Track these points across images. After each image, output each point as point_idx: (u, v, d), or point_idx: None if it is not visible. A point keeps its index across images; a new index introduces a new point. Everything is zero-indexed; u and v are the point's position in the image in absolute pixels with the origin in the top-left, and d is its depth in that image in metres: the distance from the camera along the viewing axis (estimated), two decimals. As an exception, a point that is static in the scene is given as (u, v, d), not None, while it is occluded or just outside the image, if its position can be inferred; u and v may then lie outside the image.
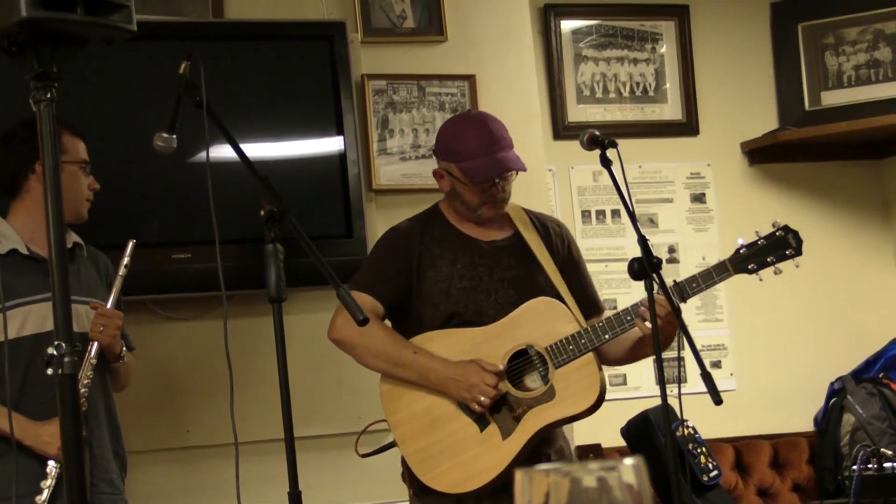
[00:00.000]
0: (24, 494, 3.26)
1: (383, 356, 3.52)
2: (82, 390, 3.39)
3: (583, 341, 3.45)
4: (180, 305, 4.35)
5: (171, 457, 4.35)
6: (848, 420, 5.37)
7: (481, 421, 3.48)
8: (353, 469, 4.48)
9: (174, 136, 3.10)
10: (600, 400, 3.49)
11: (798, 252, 3.49)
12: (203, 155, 3.14)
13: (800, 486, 5.55)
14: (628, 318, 3.45)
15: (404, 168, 4.67)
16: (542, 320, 3.51)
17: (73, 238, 3.60)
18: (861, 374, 5.53)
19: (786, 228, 3.49)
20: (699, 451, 4.96)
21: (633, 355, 3.62)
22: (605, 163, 3.34)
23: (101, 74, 4.16)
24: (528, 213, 3.72)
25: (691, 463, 4.88)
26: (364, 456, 3.60)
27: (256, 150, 4.22)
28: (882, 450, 4.85)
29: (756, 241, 3.49)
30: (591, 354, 3.48)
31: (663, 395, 3.26)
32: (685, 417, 4.90)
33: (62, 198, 2.21)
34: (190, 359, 4.34)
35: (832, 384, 5.57)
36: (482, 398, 3.43)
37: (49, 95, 2.22)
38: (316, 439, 4.34)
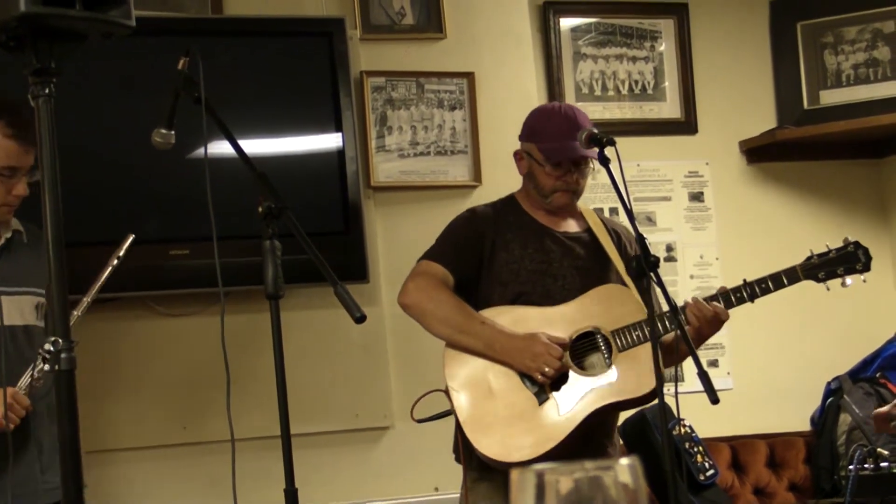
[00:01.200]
0: None
1: (450, 322, 3.55)
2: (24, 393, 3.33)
3: (648, 329, 3.49)
4: (178, 301, 4.35)
5: (167, 453, 4.35)
6: (844, 419, 5.37)
7: (541, 394, 3.51)
8: (350, 466, 4.49)
9: (172, 132, 3.10)
10: (659, 386, 3.52)
11: (867, 268, 3.58)
12: (201, 151, 3.13)
13: (796, 486, 5.55)
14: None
15: (403, 165, 4.66)
16: (611, 304, 3.56)
17: (12, 226, 3.51)
18: (858, 374, 5.53)
19: (857, 244, 3.60)
20: (696, 449, 4.96)
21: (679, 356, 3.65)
22: (604, 161, 3.35)
23: (100, 70, 4.16)
24: (601, 216, 3.80)
25: (688, 462, 4.88)
26: (419, 421, 3.61)
27: (255, 146, 4.21)
28: (878, 449, 4.85)
29: (827, 252, 3.58)
30: None
31: (660, 394, 3.26)
32: (682, 416, 4.90)
33: (60, 195, 2.20)
34: (187, 355, 4.34)
35: (829, 384, 5.57)
36: (546, 368, 3.47)
37: (47, 91, 2.21)
38: (312, 436, 4.34)
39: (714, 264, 5.70)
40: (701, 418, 4.84)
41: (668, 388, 3.36)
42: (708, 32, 5.82)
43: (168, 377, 4.37)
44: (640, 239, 3.27)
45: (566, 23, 5.65)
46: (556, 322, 3.55)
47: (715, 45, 5.82)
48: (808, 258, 3.57)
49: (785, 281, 3.54)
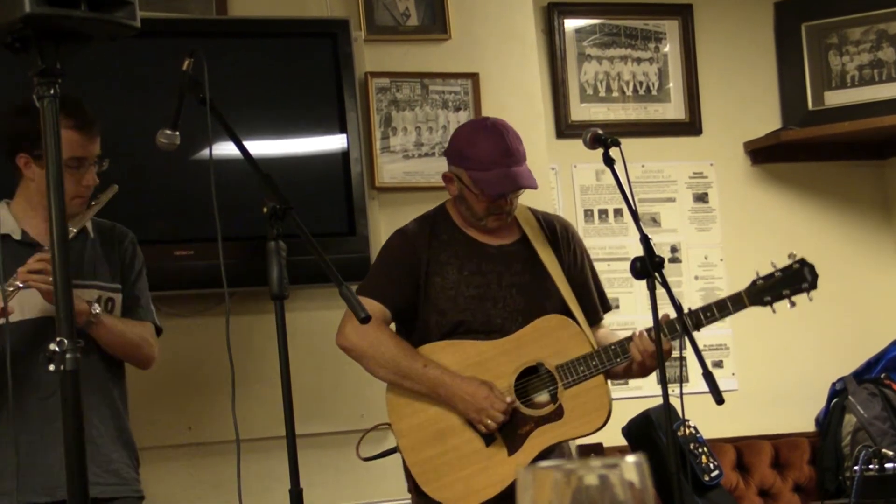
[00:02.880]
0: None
1: (392, 367, 3.50)
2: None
3: (594, 363, 3.45)
4: (182, 302, 4.35)
5: (173, 454, 4.35)
6: (849, 420, 5.37)
7: (488, 436, 3.47)
8: (355, 467, 4.48)
9: (177, 133, 3.10)
10: (607, 421, 3.49)
11: (813, 286, 3.47)
12: (206, 152, 3.14)
13: (801, 487, 5.55)
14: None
15: (407, 166, 4.66)
16: (554, 338, 3.49)
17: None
18: (862, 375, 5.52)
19: (802, 261, 3.48)
20: (700, 450, 4.96)
21: (625, 375, 3.61)
22: (608, 162, 3.34)
23: (105, 71, 4.16)
24: (535, 213, 3.68)
25: (692, 463, 4.88)
26: (366, 459, 3.60)
27: (259, 147, 4.21)
28: (883, 450, 4.85)
29: (773, 274, 3.48)
30: (601, 376, 3.47)
31: (665, 395, 3.26)
32: (686, 417, 4.89)
33: (64, 193, 2.20)
34: (192, 356, 4.34)
35: (834, 384, 5.56)
36: (489, 422, 3.43)
37: (52, 92, 2.22)
38: (317, 437, 4.34)
39: (718, 265, 5.70)
40: (706, 419, 4.84)
41: (673, 389, 3.36)
42: (712, 34, 5.82)
43: (173, 378, 4.36)
44: (645, 240, 3.26)
45: (571, 24, 5.65)
46: (498, 357, 3.48)
47: (719, 46, 5.82)
48: (754, 281, 3.48)
49: (731, 308, 3.46)
